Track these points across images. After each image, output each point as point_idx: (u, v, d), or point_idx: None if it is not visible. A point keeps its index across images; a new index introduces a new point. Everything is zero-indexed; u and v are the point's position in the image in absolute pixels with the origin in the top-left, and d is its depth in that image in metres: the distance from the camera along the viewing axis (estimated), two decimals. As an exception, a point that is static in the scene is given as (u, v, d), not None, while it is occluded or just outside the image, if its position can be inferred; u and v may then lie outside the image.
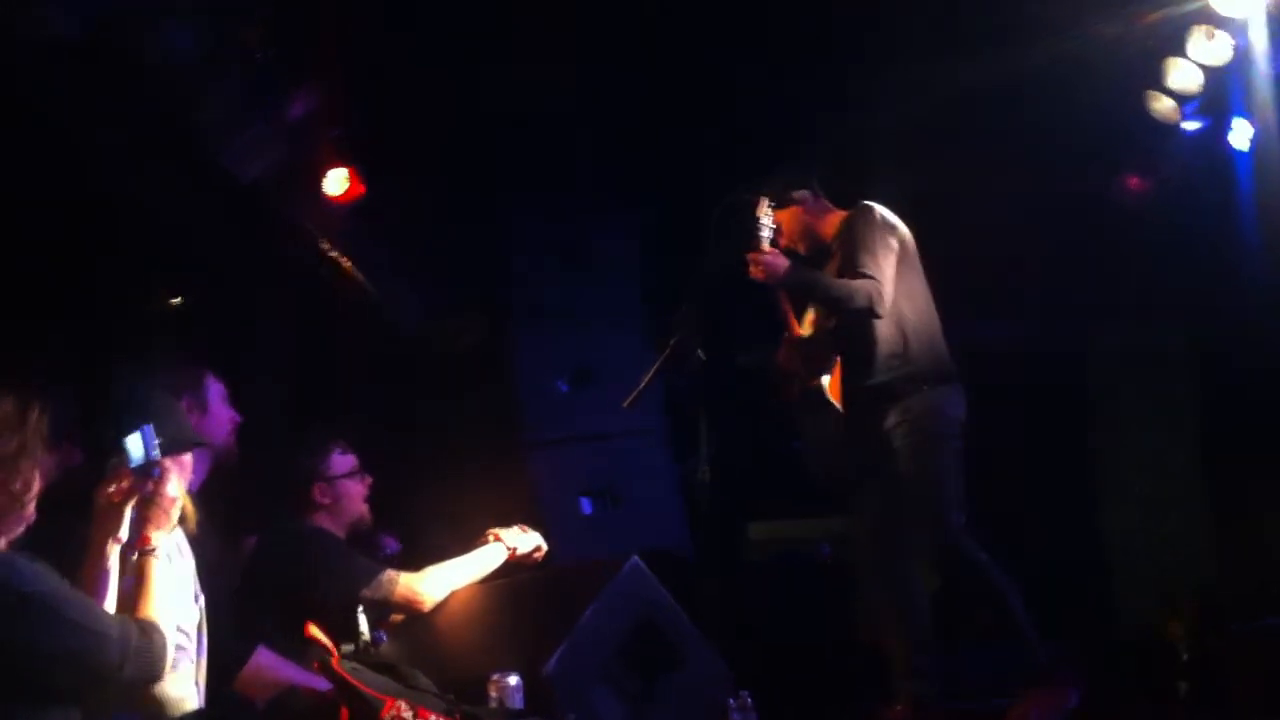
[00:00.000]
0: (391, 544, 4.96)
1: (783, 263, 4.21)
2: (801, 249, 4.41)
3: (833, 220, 4.47)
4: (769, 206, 4.27)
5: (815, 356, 4.39)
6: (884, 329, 4.24)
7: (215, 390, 3.63)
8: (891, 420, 4.22)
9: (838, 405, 4.31)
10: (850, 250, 4.26)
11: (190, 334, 5.50)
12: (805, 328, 4.47)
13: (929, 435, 4.19)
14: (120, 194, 5.12)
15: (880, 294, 4.13)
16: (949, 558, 4.14)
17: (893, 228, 4.33)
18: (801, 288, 4.34)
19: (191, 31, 4.83)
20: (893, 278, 4.20)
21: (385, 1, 5.31)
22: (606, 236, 6.13)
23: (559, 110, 5.79)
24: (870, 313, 4.15)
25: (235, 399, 3.69)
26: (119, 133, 4.95)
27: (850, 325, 4.29)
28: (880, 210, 4.35)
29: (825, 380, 4.33)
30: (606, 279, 6.07)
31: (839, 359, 4.37)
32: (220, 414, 3.61)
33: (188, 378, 3.57)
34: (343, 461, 3.89)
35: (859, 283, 4.15)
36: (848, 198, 4.49)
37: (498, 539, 3.90)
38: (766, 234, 4.23)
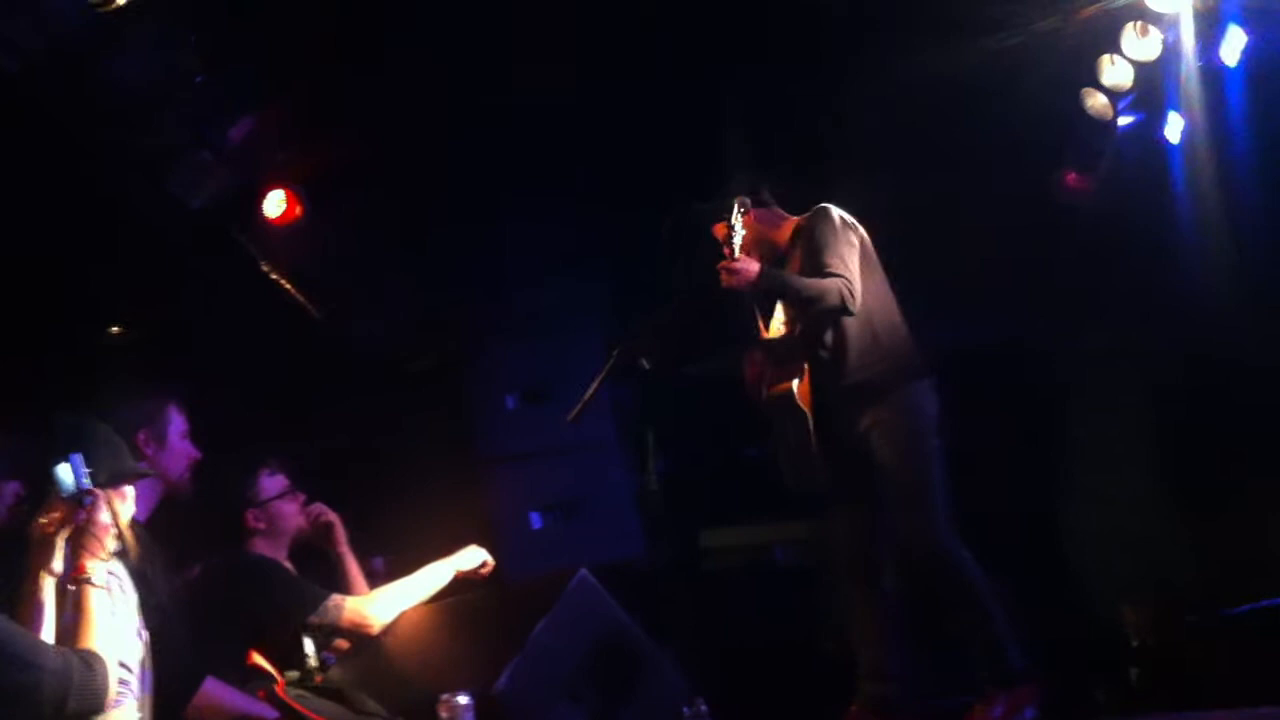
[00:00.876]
0: (377, 562, 4.96)
1: (754, 267, 4.21)
2: (755, 257, 4.39)
3: (786, 227, 4.49)
4: (739, 213, 4.28)
5: (785, 360, 4.37)
6: (854, 328, 4.24)
7: (176, 425, 3.60)
8: (869, 420, 4.20)
9: (807, 411, 4.28)
10: (813, 252, 4.27)
11: (140, 361, 5.47)
12: (772, 332, 4.45)
13: (911, 432, 4.18)
14: (74, 225, 5.09)
15: (851, 291, 4.14)
16: (936, 556, 4.10)
17: (852, 227, 4.34)
18: (775, 290, 4.33)
19: (131, 63, 4.81)
20: (859, 275, 4.21)
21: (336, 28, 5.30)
22: (564, 250, 6.14)
23: (513, 121, 5.80)
24: (843, 310, 4.15)
25: (195, 431, 3.67)
26: (55, 166, 4.92)
27: (819, 327, 4.28)
28: (837, 211, 4.36)
29: (795, 385, 4.30)
30: (564, 293, 6.08)
31: (807, 363, 4.34)
32: (177, 449, 3.58)
33: (150, 410, 3.55)
34: (272, 483, 3.86)
35: (829, 281, 4.16)
36: (801, 203, 4.50)
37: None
38: (737, 240, 4.24)
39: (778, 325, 4.46)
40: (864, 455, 4.20)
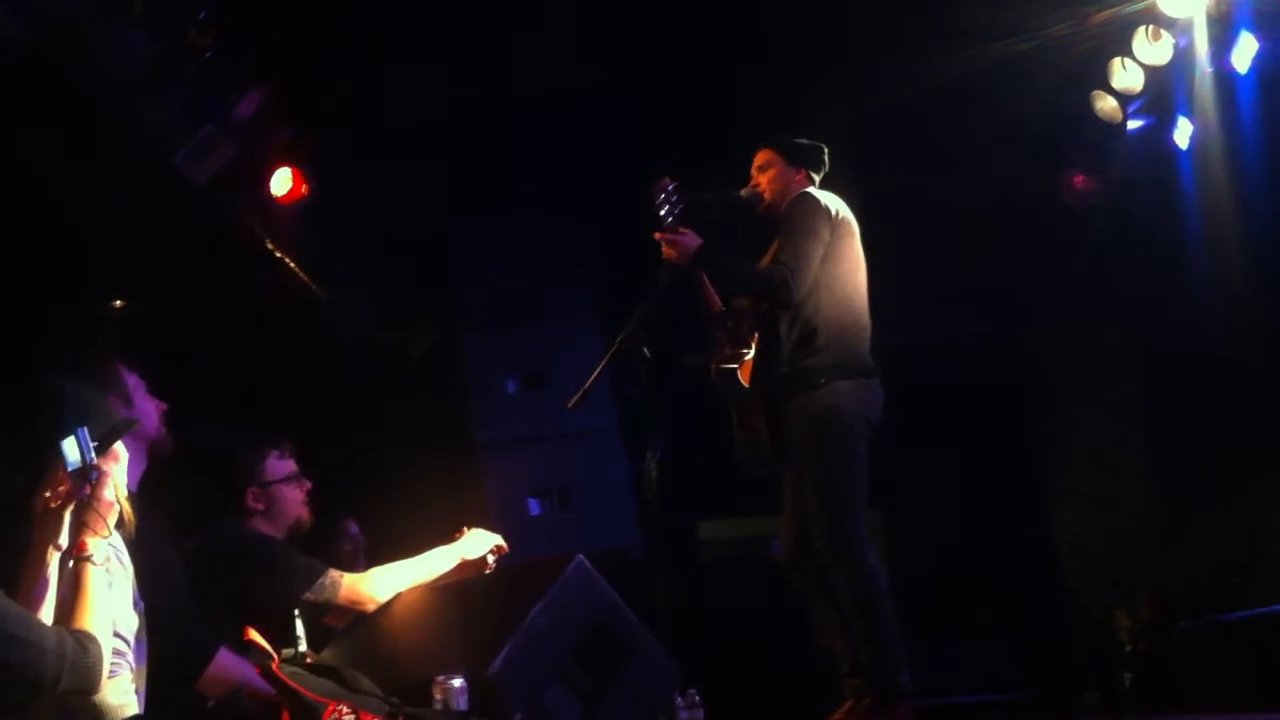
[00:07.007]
0: (353, 527, 4.96)
1: (694, 242, 4.17)
2: (773, 208, 4.37)
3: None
4: (672, 185, 4.23)
5: (734, 336, 4.32)
6: (795, 318, 4.17)
7: (133, 382, 3.53)
8: (794, 412, 4.15)
9: (749, 389, 4.25)
10: (781, 236, 4.24)
11: (134, 337, 5.45)
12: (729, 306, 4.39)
13: (821, 437, 4.10)
14: (63, 199, 5.07)
15: (788, 283, 4.07)
16: (836, 556, 4.02)
17: (826, 214, 4.23)
18: (709, 268, 4.27)
19: (141, 35, 4.80)
20: (810, 268, 4.13)
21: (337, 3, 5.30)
22: (560, 236, 6.14)
23: (511, 109, 5.80)
24: (778, 301, 4.11)
25: (179, 399, 3.64)
26: (59, 136, 4.90)
27: (765, 309, 4.23)
28: (816, 196, 4.27)
29: (738, 363, 4.28)
30: (560, 279, 6.08)
31: (753, 343, 4.31)
32: (145, 405, 3.53)
33: (106, 375, 3.49)
34: (280, 466, 3.80)
35: (768, 269, 4.13)
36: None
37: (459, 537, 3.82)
38: (664, 212, 4.19)
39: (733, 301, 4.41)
40: (794, 448, 4.16)
